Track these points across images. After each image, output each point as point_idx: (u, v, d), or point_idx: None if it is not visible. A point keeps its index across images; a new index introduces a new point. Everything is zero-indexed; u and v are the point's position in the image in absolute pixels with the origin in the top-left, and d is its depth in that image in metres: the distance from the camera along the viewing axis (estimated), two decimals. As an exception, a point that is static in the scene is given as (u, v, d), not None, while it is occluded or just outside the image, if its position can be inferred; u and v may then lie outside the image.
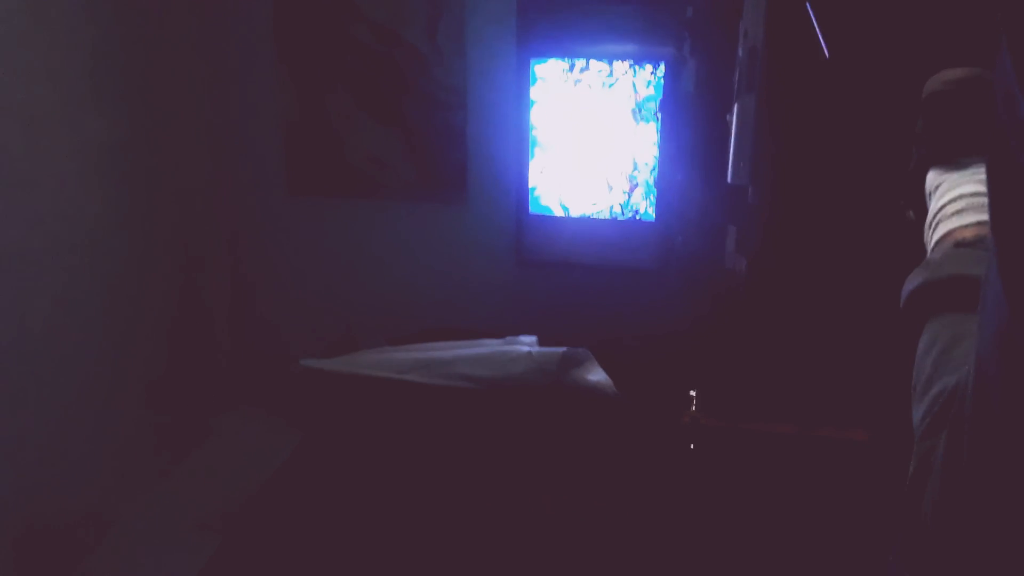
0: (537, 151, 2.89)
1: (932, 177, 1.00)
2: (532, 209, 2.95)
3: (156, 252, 2.86)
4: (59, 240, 2.41)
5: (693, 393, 2.25)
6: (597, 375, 2.21)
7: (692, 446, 2.16)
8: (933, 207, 0.97)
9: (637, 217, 2.88)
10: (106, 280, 2.62)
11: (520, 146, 2.89)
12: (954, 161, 0.97)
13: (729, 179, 2.09)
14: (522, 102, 2.85)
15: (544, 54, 2.78)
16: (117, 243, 2.65)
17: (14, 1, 2.19)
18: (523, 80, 2.83)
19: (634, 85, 2.75)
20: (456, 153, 2.97)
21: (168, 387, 2.98)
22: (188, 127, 2.99)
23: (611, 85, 2.77)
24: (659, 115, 2.75)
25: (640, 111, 2.77)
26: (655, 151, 2.79)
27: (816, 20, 1.62)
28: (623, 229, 2.91)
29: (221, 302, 3.29)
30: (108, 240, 2.61)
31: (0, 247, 2.20)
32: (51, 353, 2.40)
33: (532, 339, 2.37)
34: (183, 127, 2.96)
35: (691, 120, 2.68)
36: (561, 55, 2.78)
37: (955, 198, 0.93)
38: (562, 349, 2.20)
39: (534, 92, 2.83)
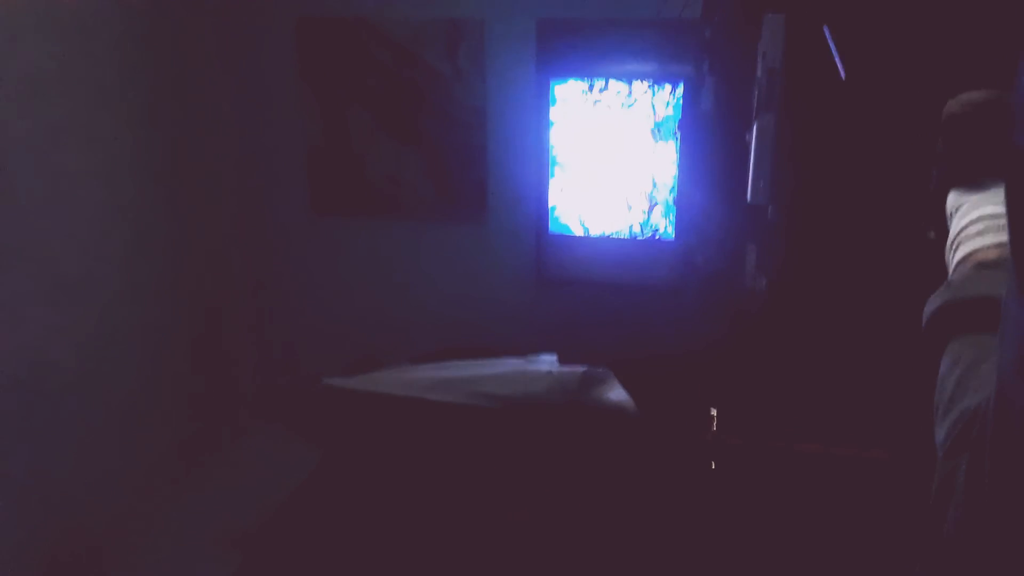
0: (557, 170, 2.90)
1: (953, 198, 1.00)
2: (552, 228, 2.96)
3: (182, 271, 2.89)
4: (82, 258, 2.44)
5: (714, 411, 2.24)
6: (618, 394, 2.21)
7: (713, 464, 2.15)
8: (954, 228, 0.97)
9: (657, 236, 2.89)
10: (132, 301, 2.65)
11: (540, 165, 2.91)
12: (975, 182, 0.98)
13: (749, 198, 2.10)
14: (542, 122, 2.87)
15: (563, 75, 2.81)
16: (144, 264, 2.69)
17: (51, 31, 2.24)
18: (543, 100, 2.85)
19: (653, 105, 2.77)
20: (476, 173, 2.99)
21: (192, 405, 3.00)
22: (213, 149, 3.03)
23: (630, 105, 2.78)
24: (678, 135, 2.76)
25: (659, 131, 2.78)
26: (674, 170, 2.80)
27: (833, 41, 1.62)
28: (643, 248, 2.91)
29: (245, 320, 3.31)
30: (134, 262, 2.64)
31: (29, 272, 2.24)
32: (79, 372, 2.43)
33: (552, 358, 2.38)
34: (209, 150, 3.00)
35: (710, 139, 2.68)
36: (580, 76, 2.80)
37: (976, 219, 0.94)
38: (583, 368, 2.20)
39: (553, 112, 2.85)
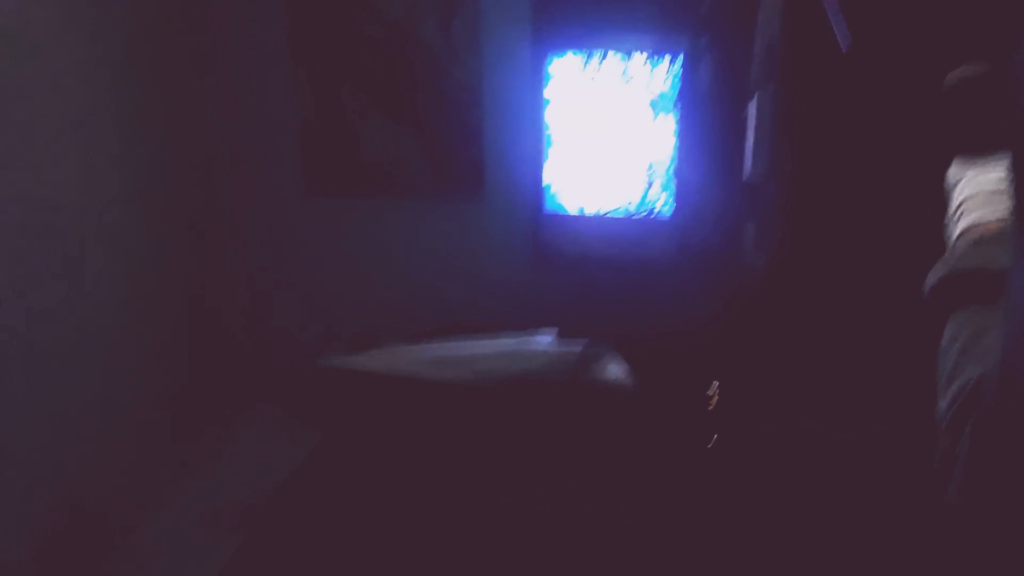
0: (553, 147, 2.88)
1: (953, 171, 1.00)
2: (548, 206, 2.95)
3: (173, 253, 2.87)
4: (76, 241, 2.43)
5: (713, 388, 2.25)
6: (616, 370, 2.21)
7: (713, 440, 2.16)
8: (955, 201, 0.97)
9: (654, 213, 2.87)
10: (123, 281, 2.64)
11: (536, 143, 2.89)
12: (975, 155, 0.97)
13: (746, 174, 2.09)
14: (538, 98, 2.84)
15: (560, 49, 2.78)
16: (134, 244, 2.67)
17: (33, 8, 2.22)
18: (538, 76, 2.82)
19: (651, 80, 2.75)
20: (471, 151, 2.97)
21: (187, 387, 3.00)
22: (202, 128, 3.01)
23: (628, 80, 2.76)
24: (676, 110, 2.74)
25: (657, 106, 2.77)
26: (672, 146, 2.78)
27: (832, 13, 1.61)
28: (640, 225, 2.90)
29: (239, 302, 3.30)
30: (124, 241, 2.63)
31: (17, 246, 2.23)
32: (70, 353, 2.42)
33: (551, 335, 2.37)
34: (197, 128, 2.98)
35: (708, 114, 2.67)
36: (577, 50, 2.77)
37: (976, 192, 0.93)
38: (581, 345, 2.20)
39: (550, 88, 2.82)
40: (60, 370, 2.38)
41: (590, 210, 2.92)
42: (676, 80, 2.72)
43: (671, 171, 2.81)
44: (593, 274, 2.99)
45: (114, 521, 2.60)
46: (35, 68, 2.24)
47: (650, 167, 2.83)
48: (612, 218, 2.91)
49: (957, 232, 0.95)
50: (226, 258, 3.20)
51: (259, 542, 2.16)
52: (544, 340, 2.30)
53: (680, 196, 2.81)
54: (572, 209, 2.93)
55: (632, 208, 2.89)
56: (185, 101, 2.89)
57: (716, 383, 2.21)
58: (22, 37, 2.19)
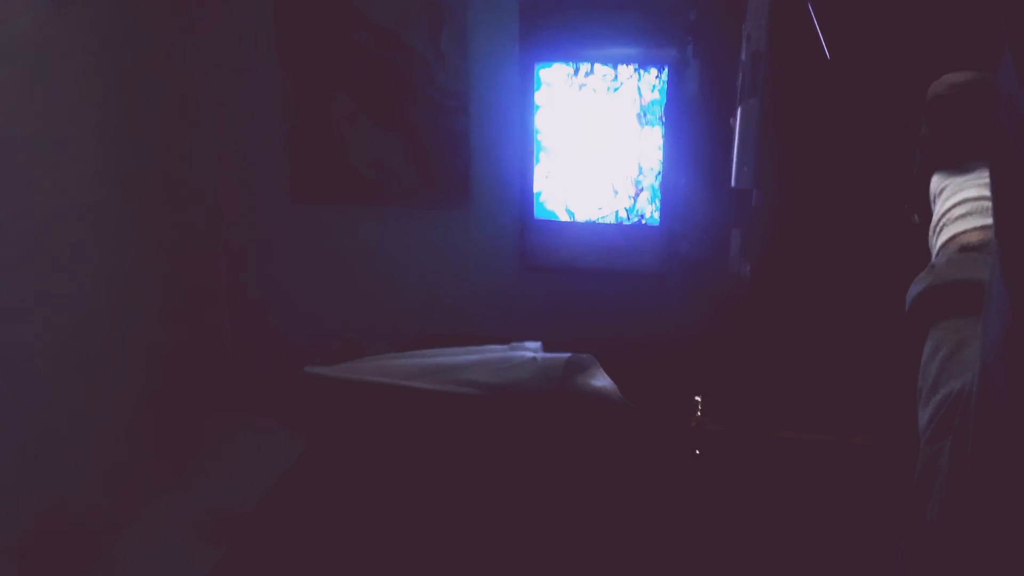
0: (542, 155, 2.88)
1: (936, 181, 1.00)
2: (536, 214, 2.94)
3: (158, 260, 2.86)
4: (59, 249, 2.41)
5: (698, 398, 2.24)
6: (602, 380, 2.20)
7: (697, 451, 2.15)
8: (938, 211, 0.97)
9: (642, 222, 2.88)
10: (107, 288, 2.62)
11: (524, 151, 2.89)
12: (959, 165, 0.97)
13: (733, 183, 2.09)
14: (526, 106, 2.85)
15: (548, 58, 2.78)
16: (118, 251, 2.65)
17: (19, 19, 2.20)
18: (527, 84, 2.82)
19: (639, 89, 2.75)
20: (459, 158, 2.97)
21: (172, 395, 2.98)
22: (189, 135, 2.99)
23: (616, 89, 2.77)
24: (663, 119, 2.75)
25: (645, 115, 2.77)
26: (660, 155, 2.78)
27: (818, 21, 1.61)
28: (628, 234, 2.90)
29: (224, 309, 3.29)
30: (109, 248, 2.61)
31: (2, 253, 2.21)
32: (52, 361, 2.40)
33: (537, 345, 2.37)
34: (184, 135, 2.96)
35: (695, 124, 2.67)
36: (565, 59, 2.77)
37: (960, 202, 0.93)
38: (567, 355, 2.19)
39: (538, 96, 2.82)
40: (42, 378, 2.36)
41: (579, 218, 2.92)
42: (663, 89, 2.72)
43: (659, 179, 2.81)
44: (581, 282, 2.98)
45: (96, 532, 2.57)
46: (24, 75, 2.22)
47: (639, 175, 2.83)
48: (599, 225, 2.91)
49: (940, 242, 0.94)
50: (212, 265, 3.19)
51: (243, 552, 2.14)
52: (529, 350, 2.29)
53: (668, 204, 2.82)
54: (561, 216, 2.93)
55: (621, 216, 2.89)
56: (173, 108, 2.88)
57: (698, 397, 2.21)
58: (15, 50, 2.18)
